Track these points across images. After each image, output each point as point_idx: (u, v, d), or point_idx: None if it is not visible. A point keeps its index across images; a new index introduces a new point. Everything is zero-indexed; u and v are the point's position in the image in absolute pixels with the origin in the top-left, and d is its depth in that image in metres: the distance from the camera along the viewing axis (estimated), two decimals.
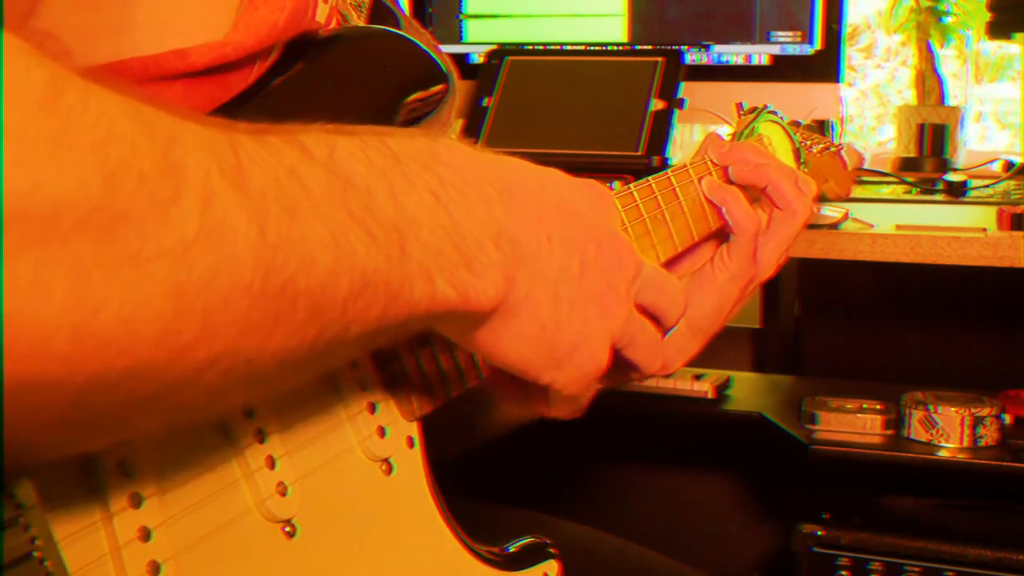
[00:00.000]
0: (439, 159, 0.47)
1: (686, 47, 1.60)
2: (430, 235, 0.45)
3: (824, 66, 1.57)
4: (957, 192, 1.61)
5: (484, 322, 0.50)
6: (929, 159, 1.76)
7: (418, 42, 0.66)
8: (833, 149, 0.96)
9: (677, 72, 1.46)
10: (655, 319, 0.59)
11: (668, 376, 1.20)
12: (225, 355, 0.36)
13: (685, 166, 0.79)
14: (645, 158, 1.39)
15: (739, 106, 0.91)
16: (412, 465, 0.62)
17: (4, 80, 0.30)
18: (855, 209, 1.38)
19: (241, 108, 0.56)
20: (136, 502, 0.45)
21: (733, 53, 1.62)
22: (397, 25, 0.72)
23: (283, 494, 0.53)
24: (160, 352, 0.34)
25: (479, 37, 1.71)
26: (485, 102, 1.49)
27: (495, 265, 0.48)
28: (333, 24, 0.64)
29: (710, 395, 1.54)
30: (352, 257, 0.40)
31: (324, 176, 0.41)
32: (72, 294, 0.31)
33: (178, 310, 0.34)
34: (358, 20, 0.70)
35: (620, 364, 0.57)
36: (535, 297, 0.50)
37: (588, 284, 0.53)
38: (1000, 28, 1.65)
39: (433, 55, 0.67)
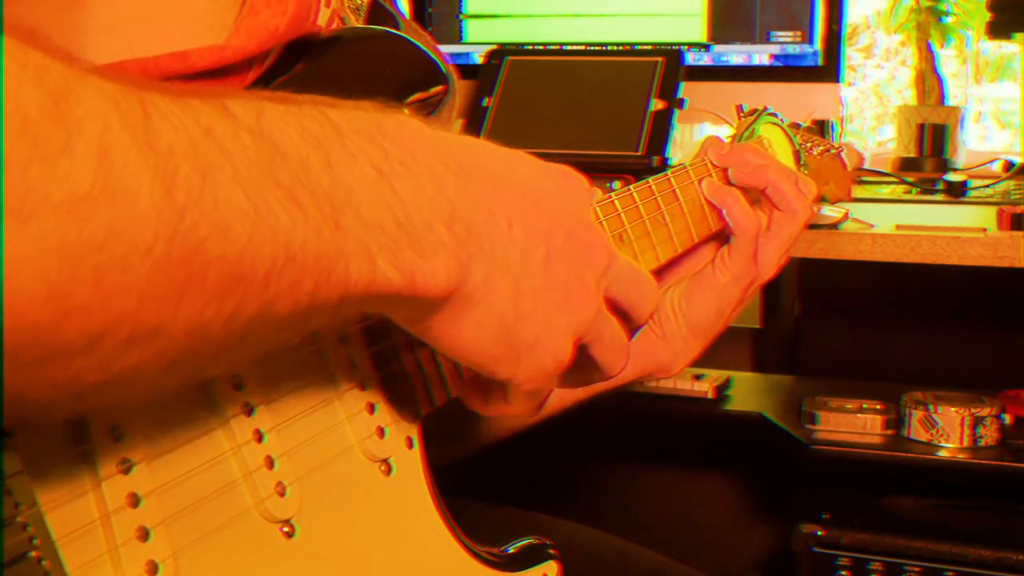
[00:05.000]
0: (386, 133, 0.44)
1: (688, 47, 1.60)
2: (371, 211, 0.42)
3: (824, 66, 1.57)
4: (957, 192, 1.61)
5: (438, 310, 0.47)
6: (929, 159, 1.76)
7: (417, 43, 0.66)
8: (833, 151, 0.96)
9: (677, 72, 1.46)
10: (624, 315, 0.56)
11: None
12: (124, 322, 0.34)
13: (685, 167, 0.79)
14: (645, 158, 1.39)
15: (739, 108, 0.91)
16: (411, 466, 0.62)
17: None
18: (855, 209, 1.38)
19: None
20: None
21: (733, 53, 1.62)
22: (396, 26, 0.71)
23: (282, 494, 0.53)
24: (46, 312, 0.32)
25: (479, 37, 1.71)
26: (485, 102, 1.49)
27: (446, 248, 0.45)
28: (333, 27, 0.64)
29: (710, 395, 1.54)
30: (275, 227, 0.38)
31: (248, 140, 0.38)
32: None
33: (65, 268, 0.32)
34: (356, 22, 0.70)
35: (582, 363, 0.54)
36: (494, 286, 0.47)
37: (553, 275, 0.50)
38: (1000, 28, 1.65)
39: (432, 56, 0.67)
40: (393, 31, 0.67)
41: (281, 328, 0.41)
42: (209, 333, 0.37)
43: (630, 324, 0.56)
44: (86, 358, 0.34)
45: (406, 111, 0.49)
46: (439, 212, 0.45)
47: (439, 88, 0.66)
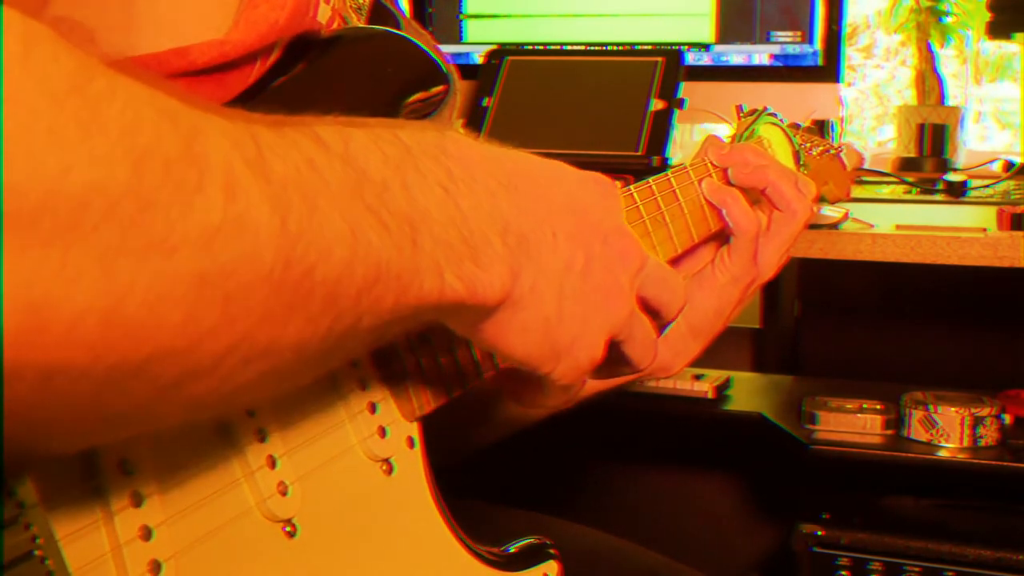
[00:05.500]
0: (448, 153, 0.47)
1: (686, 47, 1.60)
2: (440, 228, 0.45)
3: (824, 66, 1.57)
4: (957, 192, 1.61)
5: (490, 315, 0.50)
6: (929, 159, 1.76)
7: (419, 43, 0.66)
8: (833, 152, 0.96)
9: (677, 72, 1.46)
10: (655, 313, 0.59)
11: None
12: (244, 342, 0.37)
13: (685, 168, 0.79)
14: (645, 158, 1.39)
15: (739, 108, 0.91)
16: (412, 465, 0.62)
17: (33, 66, 0.30)
18: (855, 209, 1.38)
19: (242, 108, 0.56)
20: (137, 501, 0.45)
21: (733, 53, 1.62)
22: (397, 26, 0.72)
23: (284, 494, 0.53)
24: (182, 338, 0.34)
25: (479, 37, 1.71)
26: (485, 102, 1.49)
27: (501, 259, 0.48)
28: (334, 26, 0.64)
29: (710, 395, 1.54)
30: (367, 248, 0.41)
31: (341, 168, 0.41)
32: (101, 281, 0.31)
33: (201, 297, 0.34)
34: (358, 22, 0.70)
35: (614, 358, 0.57)
36: (540, 291, 0.50)
37: (592, 279, 0.53)
38: (1000, 28, 1.65)
39: (433, 56, 0.67)
40: (394, 31, 0.67)
41: (364, 340, 0.44)
42: (309, 348, 0.40)
43: (660, 321, 0.60)
44: (211, 378, 0.37)
45: (461, 129, 0.51)
46: (495, 225, 0.48)
47: (440, 88, 0.66)
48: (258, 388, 0.40)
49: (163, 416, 0.38)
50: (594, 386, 0.84)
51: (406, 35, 0.67)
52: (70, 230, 0.30)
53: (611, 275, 0.54)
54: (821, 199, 0.97)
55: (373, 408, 0.60)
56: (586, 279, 0.53)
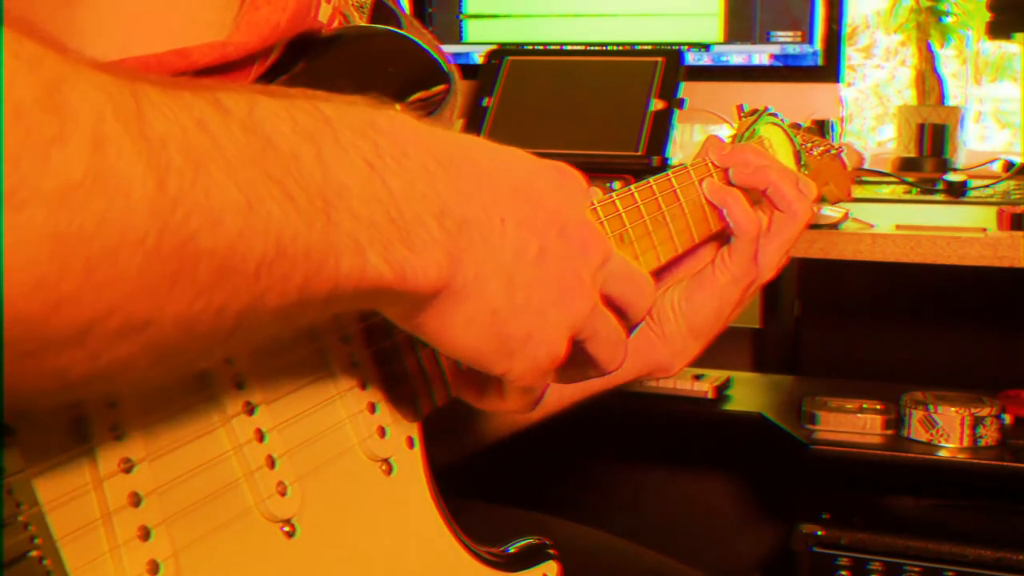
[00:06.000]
0: (378, 128, 0.44)
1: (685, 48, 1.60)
2: (362, 206, 0.42)
3: (824, 66, 1.57)
4: (957, 192, 1.61)
5: (429, 305, 0.47)
6: (929, 159, 1.76)
7: (420, 42, 0.66)
8: (833, 152, 0.96)
9: (677, 72, 1.46)
10: (620, 312, 0.56)
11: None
12: (114, 313, 0.34)
13: (686, 168, 0.79)
14: (645, 158, 1.39)
15: (740, 108, 0.91)
16: (412, 465, 0.62)
17: None
18: (855, 209, 1.38)
19: None
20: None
21: (733, 53, 1.62)
22: (399, 25, 0.72)
23: (283, 494, 0.53)
24: (35, 302, 0.32)
25: (479, 37, 1.71)
26: (485, 102, 1.49)
27: (437, 243, 0.45)
28: (335, 24, 0.64)
29: (710, 395, 1.54)
30: (267, 220, 0.38)
31: (240, 133, 0.38)
32: None
33: (56, 259, 0.31)
34: (360, 20, 0.70)
35: (579, 359, 0.54)
36: (485, 281, 0.47)
37: (547, 270, 0.49)
38: (1000, 28, 1.65)
39: (435, 55, 0.67)
40: (395, 30, 0.67)
41: (271, 321, 0.41)
42: (198, 325, 0.37)
43: (627, 322, 0.56)
44: (76, 349, 0.34)
45: (398, 107, 0.48)
46: (430, 207, 0.45)
47: (441, 87, 0.66)
48: (146, 366, 0.37)
49: (25, 389, 0.34)
50: (568, 396, 0.84)
51: (407, 34, 0.67)
52: None
53: (569, 267, 0.50)
54: (822, 199, 0.97)
55: (373, 408, 0.60)
56: (540, 269, 0.49)
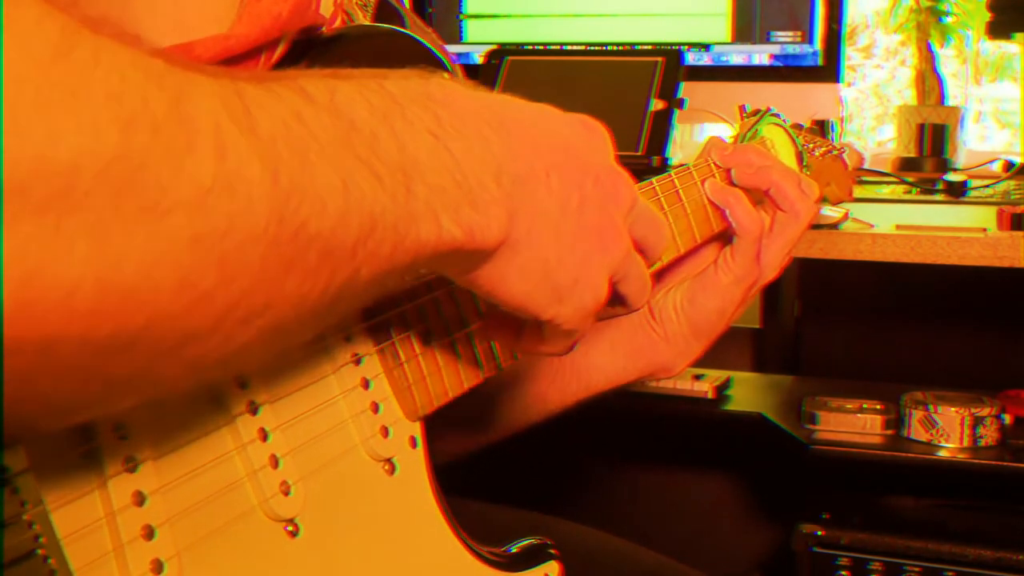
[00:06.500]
0: (434, 98, 0.47)
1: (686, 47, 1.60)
2: (433, 174, 0.44)
3: (824, 66, 1.57)
4: (957, 192, 1.61)
5: (487, 260, 0.49)
6: (929, 159, 1.76)
7: (423, 41, 0.66)
8: (835, 152, 0.96)
9: (677, 72, 1.46)
10: (642, 252, 0.59)
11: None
12: (242, 301, 0.36)
13: (688, 168, 0.79)
14: (645, 158, 1.39)
15: (742, 108, 0.91)
16: (414, 465, 0.62)
17: (16, 31, 0.29)
18: (855, 209, 1.38)
19: None
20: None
21: (733, 53, 1.62)
22: (402, 24, 0.72)
23: (286, 493, 0.53)
24: (180, 301, 0.34)
25: (479, 37, 1.71)
26: None
27: (497, 202, 0.47)
28: (339, 23, 0.64)
29: (710, 395, 1.54)
30: (361, 199, 0.40)
31: (328, 120, 0.41)
32: (94, 248, 0.31)
33: (196, 259, 0.34)
34: (364, 19, 0.70)
35: (611, 299, 0.57)
36: (537, 233, 0.50)
37: (588, 218, 0.52)
38: (1000, 28, 1.65)
39: (438, 54, 0.67)
40: (400, 29, 0.67)
41: (362, 292, 0.43)
42: (307, 304, 0.40)
43: (647, 261, 0.59)
44: (210, 339, 0.36)
45: (445, 74, 0.50)
46: (488, 168, 0.47)
47: None
48: (260, 347, 0.39)
49: (166, 380, 0.38)
50: (570, 395, 0.84)
51: (411, 33, 0.67)
52: (61, 198, 0.30)
53: (606, 214, 0.53)
54: (823, 200, 0.97)
55: (376, 408, 0.60)
56: (582, 219, 0.52)
